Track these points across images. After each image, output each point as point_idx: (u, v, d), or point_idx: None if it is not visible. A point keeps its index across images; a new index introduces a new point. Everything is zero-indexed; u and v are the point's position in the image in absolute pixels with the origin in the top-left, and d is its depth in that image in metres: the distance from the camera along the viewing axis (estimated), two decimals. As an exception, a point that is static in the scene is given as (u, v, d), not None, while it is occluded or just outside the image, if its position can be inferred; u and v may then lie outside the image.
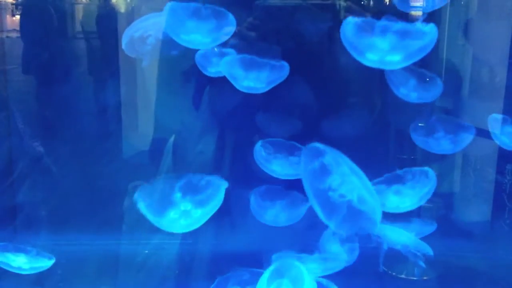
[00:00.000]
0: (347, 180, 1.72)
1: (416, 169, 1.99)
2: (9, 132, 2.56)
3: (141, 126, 2.66)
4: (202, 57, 2.02)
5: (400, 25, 1.66)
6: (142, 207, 1.85)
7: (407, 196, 1.96)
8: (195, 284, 2.44)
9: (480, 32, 2.50)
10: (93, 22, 2.68)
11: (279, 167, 2.05)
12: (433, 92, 2.05)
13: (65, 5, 2.66)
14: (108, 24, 2.60)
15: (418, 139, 2.08)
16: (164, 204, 1.86)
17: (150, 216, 1.86)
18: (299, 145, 2.01)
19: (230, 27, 1.88)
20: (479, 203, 2.58)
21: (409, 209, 1.98)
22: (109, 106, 2.63)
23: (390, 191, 1.95)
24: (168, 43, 1.93)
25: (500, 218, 2.51)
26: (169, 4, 1.84)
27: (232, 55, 1.99)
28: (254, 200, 2.10)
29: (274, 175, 2.05)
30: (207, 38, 1.89)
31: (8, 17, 2.71)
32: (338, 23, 2.27)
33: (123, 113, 2.61)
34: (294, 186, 1.96)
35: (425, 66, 1.99)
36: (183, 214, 1.88)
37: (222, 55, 1.99)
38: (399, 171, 1.98)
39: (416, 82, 2.00)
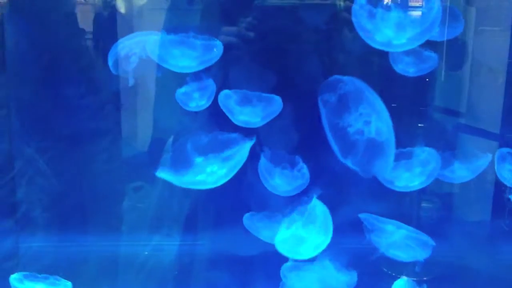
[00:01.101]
0: (367, 112, 1.73)
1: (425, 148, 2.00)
2: (9, 132, 2.56)
3: (140, 126, 2.66)
4: (183, 95, 2.04)
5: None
6: (167, 176, 1.88)
7: (417, 174, 1.97)
8: (195, 285, 2.44)
9: (480, 30, 2.50)
10: (91, 22, 2.68)
11: (281, 181, 2.07)
12: (430, 64, 2.05)
13: (65, 4, 2.67)
14: (107, 24, 2.60)
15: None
16: (188, 167, 1.86)
17: (176, 182, 1.88)
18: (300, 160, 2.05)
19: (217, 51, 1.95)
20: (479, 203, 2.58)
21: (417, 187, 1.99)
22: (108, 106, 2.63)
23: (400, 168, 1.96)
24: (153, 62, 1.96)
25: (500, 219, 2.51)
26: (155, 36, 1.91)
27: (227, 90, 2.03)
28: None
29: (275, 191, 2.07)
30: (194, 62, 1.94)
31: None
32: (337, 23, 2.30)
33: (122, 113, 2.61)
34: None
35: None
36: (209, 175, 1.90)
37: (203, 89, 2.01)
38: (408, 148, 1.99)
39: (413, 58, 2.02)
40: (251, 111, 2.01)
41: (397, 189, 1.98)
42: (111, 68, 1.98)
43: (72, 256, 2.49)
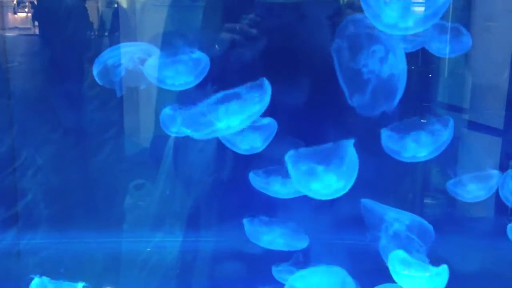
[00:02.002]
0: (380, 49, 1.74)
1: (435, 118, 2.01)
2: (11, 131, 2.57)
3: (142, 123, 2.66)
4: (167, 117, 2.04)
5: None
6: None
7: (425, 144, 1.97)
8: (197, 283, 2.44)
9: (484, 28, 2.49)
10: (95, 17, 2.68)
11: (280, 187, 2.08)
12: (465, 43, 2.07)
13: (66, 3, 2.66)
14: (110, 19, 2.60)
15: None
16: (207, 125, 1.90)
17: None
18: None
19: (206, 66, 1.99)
20: (482, 200, 2.57)
21: (425, 158, 1.99)
22: (111, 104, 2.63)
23: (408, 138, 1.96)
24: (139, 73, 1.96)
25: (503, 215, 2.50)
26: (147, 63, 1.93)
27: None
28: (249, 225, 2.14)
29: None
30: (189, 78, 1.97)
31: (10, 14, 2.71)
32: (340, 20, 2.29)
33: (125, 111, 2.61)
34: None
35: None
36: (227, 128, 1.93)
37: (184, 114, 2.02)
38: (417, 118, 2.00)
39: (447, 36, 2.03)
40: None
41: (404, 160, 1.97)
42: (96, 79, 1.98)
43: (73, 253, 2.50)
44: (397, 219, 2.04)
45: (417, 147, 1.96)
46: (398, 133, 1.95)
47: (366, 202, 2.05)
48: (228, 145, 2.04)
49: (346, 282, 1.94)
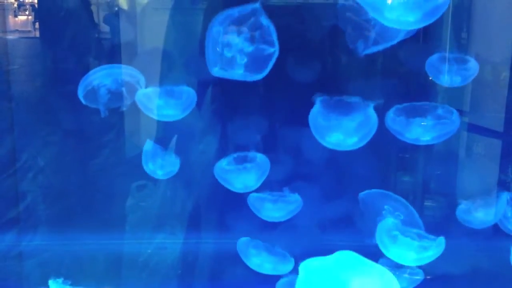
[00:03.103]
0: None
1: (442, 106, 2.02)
2: (11, 132, 2.56)
3: (143, 125, 2.65)
4: (146, 154, 2.18)
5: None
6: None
7: (429, 130, 1.98)
8: (198, 283, 2.44)
9: (484, 28, 2.50)
10: (96, 21, 2.68)
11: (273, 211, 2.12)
12: (472, 70, 2.08)
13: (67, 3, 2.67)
14: (111, 23, 2.61)
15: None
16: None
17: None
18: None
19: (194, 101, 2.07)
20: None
21: (427, 143, 2.00)
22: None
23: (413, 121, 1.97)
24: (120, 95, 2.02)
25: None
26: (140, 92, 2.00)
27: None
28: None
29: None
30: (177, 111, 2.05)
31: (11, 17, 2.72)
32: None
33: (125, 112, 2.61)
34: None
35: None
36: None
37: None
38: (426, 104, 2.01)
39: (455, 67, 2.04)
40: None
41: (407, 141, 1.97)
42: (81, 99, 2.03)
43: (75, 254, 2.49)
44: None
45: (422, 131, 1.97)
46: (405, 115, 1.96)
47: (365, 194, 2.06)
48: (222, 183, 2.08)
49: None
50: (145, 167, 2.15)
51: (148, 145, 2.17)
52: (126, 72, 2.07)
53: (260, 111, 2.43)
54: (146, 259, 2.47)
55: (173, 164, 2.14)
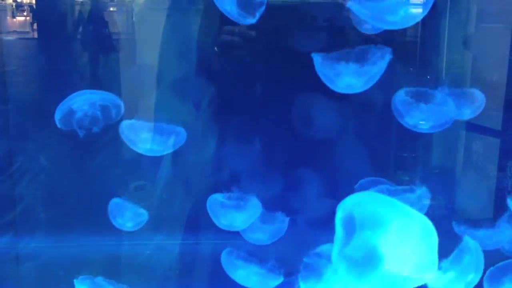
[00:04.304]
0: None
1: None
2: (8, 134, 2.56)
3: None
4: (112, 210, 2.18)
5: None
6: None
7: (433, 115, 1.97)
8: (196, 285, 2.44)
9: (481, 28, 2.50)
10: (92, 21, 2.68)
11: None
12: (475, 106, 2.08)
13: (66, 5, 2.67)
14: (106, 25, 2.60)
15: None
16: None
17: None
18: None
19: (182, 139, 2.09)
20: (481, 200, 2.57)
21: (430, 131, 2.00)
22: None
23: (417, 106, 1.97)
24: (98, 119, 2.06)
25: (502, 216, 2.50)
26: (124, 123, 2.05)
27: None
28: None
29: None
30: (163, 147, 2.08)
31: (9, 18, 2.71)
32: (339, 21, 2.30)
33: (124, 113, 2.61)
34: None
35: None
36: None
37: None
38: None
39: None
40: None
41: (406, 125, 1.98)
42: (57, 123, 2.05)
43: (72, 256, 2.49)
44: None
45: (422, 117, 1.97)
46: (415, 98, 1.96)
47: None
48: (211, 215, 2.10)
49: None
50: (113, 222, 2.18)
51: (114, 200, 2.18)
52: (106, 98, 2.10)
53: (259, 111, 2.43)
54: (145, 260, 2.47)
55: (141, 214, 2.18)
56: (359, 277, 1.31)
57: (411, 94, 1.96)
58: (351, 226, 1.30)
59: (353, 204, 1.34)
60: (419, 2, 2.04)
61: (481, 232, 2.14)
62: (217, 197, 2.10)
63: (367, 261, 1.29)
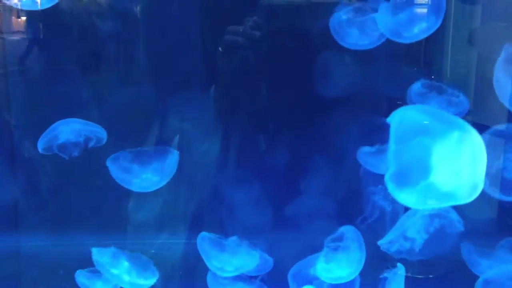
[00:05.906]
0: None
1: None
2: (10, 133, 2.57)
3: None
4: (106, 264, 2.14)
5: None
6: None
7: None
8: (200, 284, 2.43)
9: (486, 27, 2.50)
10: (93, 23, 2.69)
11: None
12: (462, 107, 2.07)
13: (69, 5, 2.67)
14: (110, 25, 2.61)
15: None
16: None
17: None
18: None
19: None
20: (484, 201, 2.57)
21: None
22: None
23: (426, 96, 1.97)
24: (79, 145, 2.08)
25: (506, 216, 2.50)
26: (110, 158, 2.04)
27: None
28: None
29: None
30: (156, 177, 2.04)
31: (14, 18, 2.72)
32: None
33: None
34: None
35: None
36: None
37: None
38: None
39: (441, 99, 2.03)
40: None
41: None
42: (40, 150, 2.07)
43: (77, 256, 2.49)
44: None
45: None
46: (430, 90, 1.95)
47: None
48: (201, 254, 2.09)
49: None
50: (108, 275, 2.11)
51: (109, 252, 2.14)
52: (92, 130, 2.13)
53: (263, 110, 2.43)
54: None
55: (144, 264, 2.11)
56: (404, 184, 1.25)
57: (432, 87, 1.97)
58: (410, 130, 1.28)
59: (417, 110, 1.33)
60: (424, 2, 2.05)
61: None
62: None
63: (417, 167, 1.25)
